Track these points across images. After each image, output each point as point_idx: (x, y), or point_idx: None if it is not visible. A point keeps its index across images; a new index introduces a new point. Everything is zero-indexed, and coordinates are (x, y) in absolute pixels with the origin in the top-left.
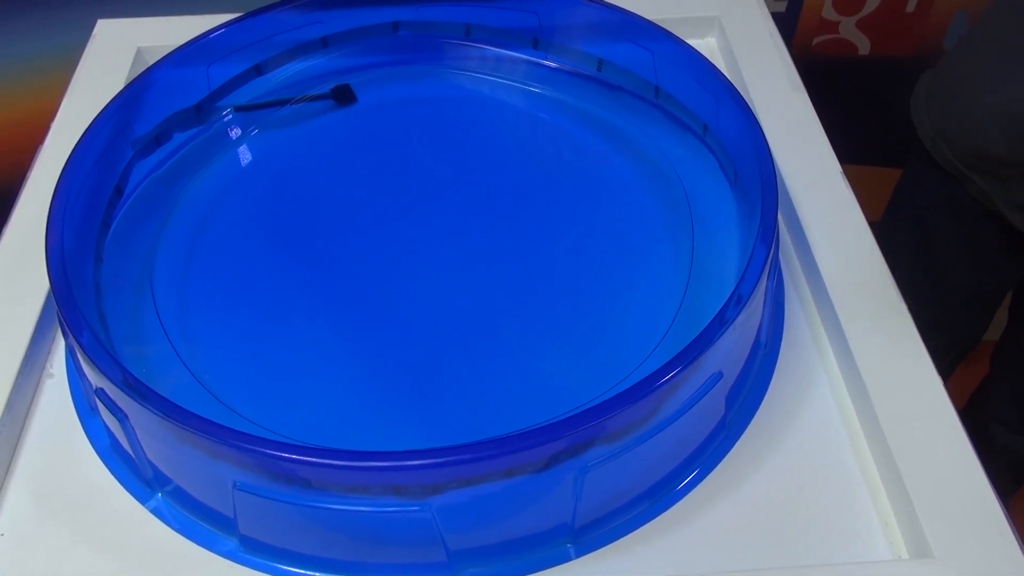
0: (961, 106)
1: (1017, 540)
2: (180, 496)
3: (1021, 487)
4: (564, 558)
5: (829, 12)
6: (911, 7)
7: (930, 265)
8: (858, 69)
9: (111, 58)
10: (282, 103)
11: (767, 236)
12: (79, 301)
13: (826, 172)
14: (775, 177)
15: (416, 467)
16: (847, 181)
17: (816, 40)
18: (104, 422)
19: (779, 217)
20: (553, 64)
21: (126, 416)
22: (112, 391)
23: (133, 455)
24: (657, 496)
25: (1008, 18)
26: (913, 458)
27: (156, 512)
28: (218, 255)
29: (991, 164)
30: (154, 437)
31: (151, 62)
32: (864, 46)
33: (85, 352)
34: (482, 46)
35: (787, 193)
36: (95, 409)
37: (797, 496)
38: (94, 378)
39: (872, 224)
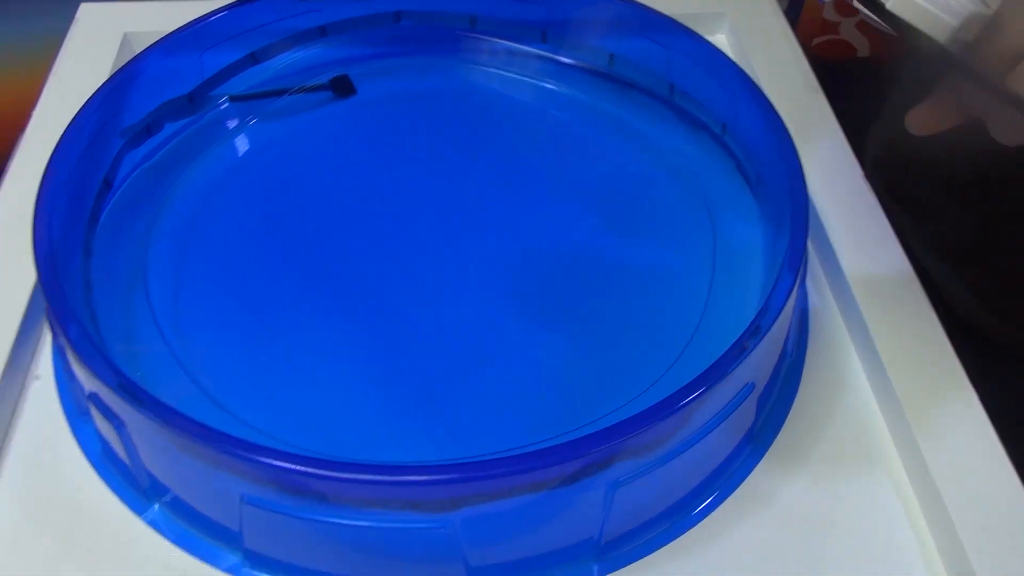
0: None
1: None
2: (179, 507)
3: None
4: None
5: (830, 13)
6: None
7: None
8: (858, 71)
9: (96, 44)
10: (278, 93)
11: (798, 246)
12: (69, 298)
13: (847, 174)
14: (805, 185)
15: (439, 482)
16: (869, 183)
17: (816, 41)
18: (97, 428)
19: None
20: (562, 58)
21: (123, 423)
22: (107, 396)
23: (129, 463)
24: (684, 511)
25: None
26: (950, 473)
27: (153, 524)
28: (214, 250)
29: None
30: (153, 446)
31: (138, 48)
32: (864, 48)
33: (77, 354)
34: (488, 38)
35: (808, 195)
36: (86, 414)
37: (828, 512)
38: (87, 382)
39: None
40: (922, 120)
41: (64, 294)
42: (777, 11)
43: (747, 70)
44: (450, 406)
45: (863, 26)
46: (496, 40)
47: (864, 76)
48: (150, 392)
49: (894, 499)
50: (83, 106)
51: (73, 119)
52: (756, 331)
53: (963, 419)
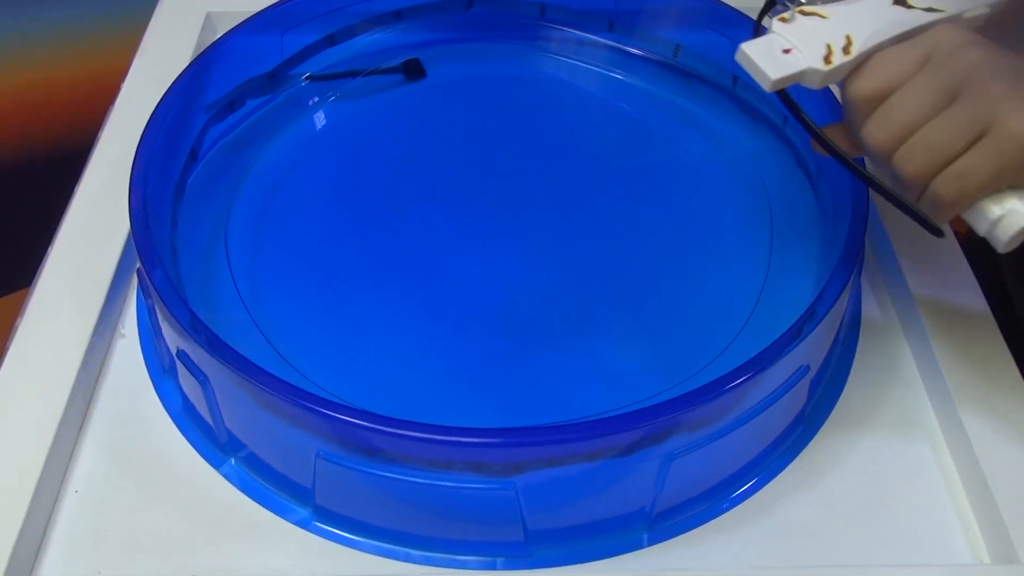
0: None
1: None
2: (254, 462)
3: None
4: (637, 545)
5: None
6: None
7: None
8: None
9: (180, 22)
10: (353, 74)
11: (857, 237)
12: (162, 259)
13: None
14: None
15: (503, 445)
16: None
17: None
18: (179, 384)
19: None
20: (628, 48)
21: (207, 379)
22: (195, 352)
23: (209, 419)
24: (734, 487)
25: None
26: (996, 458)
27: (228, 477)
28: (290, 221)
29: None
30: (235, 401)
31: (220, 27)
32: None
33: (169, 311)
34: (556, 27)
35: None
36: (168, 371)
37: (874, 493)
38: (174, 339)
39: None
40: (836, 138)
41: (157, 255)
42: None
43: None
44: (515, 377)
45: None
46: (564, 29)
47: None
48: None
49: (940, 485)
50: (173, 82)
51: (164, 94)
52: (812, 316)
53: (1013, 411)
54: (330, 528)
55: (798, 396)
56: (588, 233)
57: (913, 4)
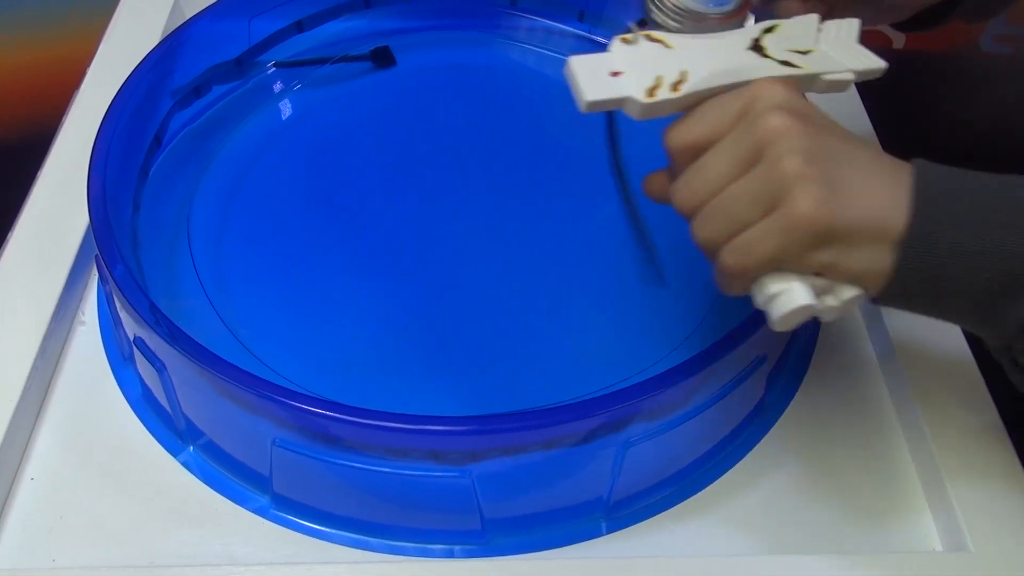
0: None
1: None
2: (212, 450)
3: None
4: (596, 533)
5: None
6: None
7: None
8: (892, 63)
9: (149, 6)
10: (321, 62)
11: None
12: (120, 245)
13: None
14: None
15: (459, 433)
16: None
17: None
18: (137, 372)
19: None
20: (598, 38)
21: (164, 366)
22: (151, 340)
23: (167, 407)
24: (692, 476)
25: None
26: (950, 449)
27: (187, 465)
28: (255, 209)
29: None
30: (192, 389)
31: (188, 12)
32: (899, 39)
33: (125, 297)
34: (526, 15)
35: None
36: (128, 358)
37: (830, 483)
38: (132, 326)
39: None
40: (653, 187)
41: (115, 241)
42: None
43: None
44: (475, 365)
45: None
46: (534, 18)
47: (898, 68)
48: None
49: (896, 475)
50: (137, 66)
51: (128, 78)
52: None
53: (968, 403)
54: (288, 516)
55: (755, 386)
56: (552, 221)
57: (771, 54)
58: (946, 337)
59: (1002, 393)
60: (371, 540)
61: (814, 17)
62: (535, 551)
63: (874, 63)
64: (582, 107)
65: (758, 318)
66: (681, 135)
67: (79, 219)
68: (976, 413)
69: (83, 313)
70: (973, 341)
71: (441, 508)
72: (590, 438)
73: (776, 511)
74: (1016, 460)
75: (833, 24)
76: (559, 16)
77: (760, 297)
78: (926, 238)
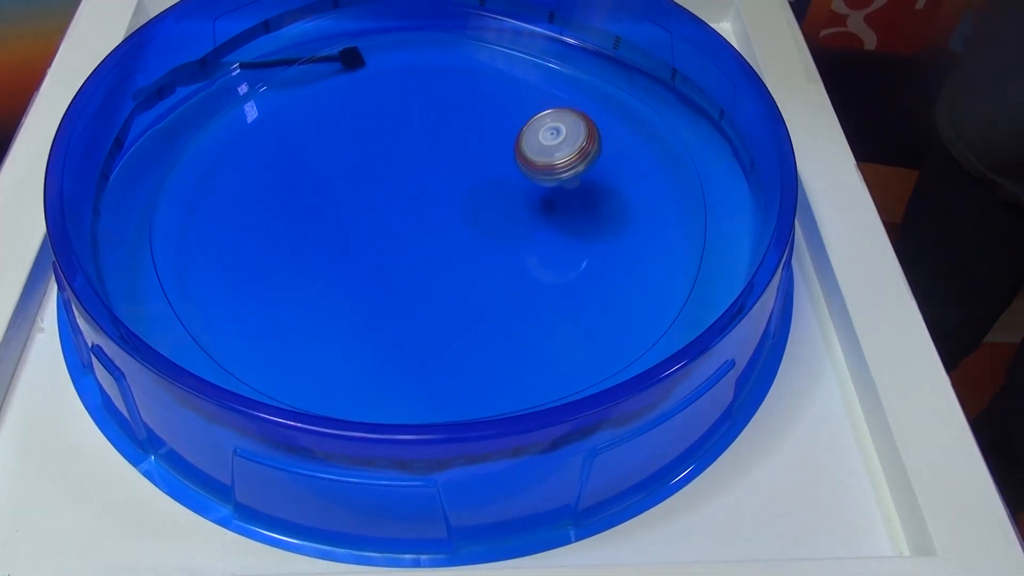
0: (983, 113)
1: (1020, 542)
2: (174, 460)
3: None
4: (564, 541)
5: (839, 5)
6: (920, 4)
7: (958, 271)
8: (863, 64)
9: (111, 6)
10: (289, 62)
11: (785, 228)
12: (77, 251)
13: (840, 164)
14: (795, 170)
15: (424, 442)
16: (861, 175)
17: (823, 32)
18: (97, 381)
19: None
20: (568, 39)
21: (123, 375)
22: (109, 348)
23: (127, 416)
24: (661, 482)
25: (1006, 19)
26: (918, 454)
27: (148, 475)
28: (219, 214)
29: (1020, 169)
30: (152, 398)
31: (152, 12)
32: (871, 41)
33: (81, 305)
34: (496, 16)
35: (800, 183)
36: (87, 367)
37: (800, 488)
38: (90, 334)
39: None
40: None
41: (72, 247)
42: (783, 1)
43: (749, 58)
44: (440, 373)
45: (871, 19)
46: (504, 19)
47: (870, 69)
48: (150, 345)
49: (863, 480)
50: (97, 66)
51: (87, 79)
52: (740, 310)
53: (935, 407)
54: (251, 526)
55: (724, 391)
56: (519, 224)
57: None
58: (914, 341)
59: (968, 397)
60: (336, 550)
61: None
62: (503, 559)
63: None
64: None
65: (726, 323)
66: None
67: (38, 223)
68: (943, 416)
69: (42, 320)
70: (940, 344)
71: (407, 517)
72: (557, 445)
73: (745, 516)
74: (983, 463)
75: None
76: (529, 17)
77: None
78: None
